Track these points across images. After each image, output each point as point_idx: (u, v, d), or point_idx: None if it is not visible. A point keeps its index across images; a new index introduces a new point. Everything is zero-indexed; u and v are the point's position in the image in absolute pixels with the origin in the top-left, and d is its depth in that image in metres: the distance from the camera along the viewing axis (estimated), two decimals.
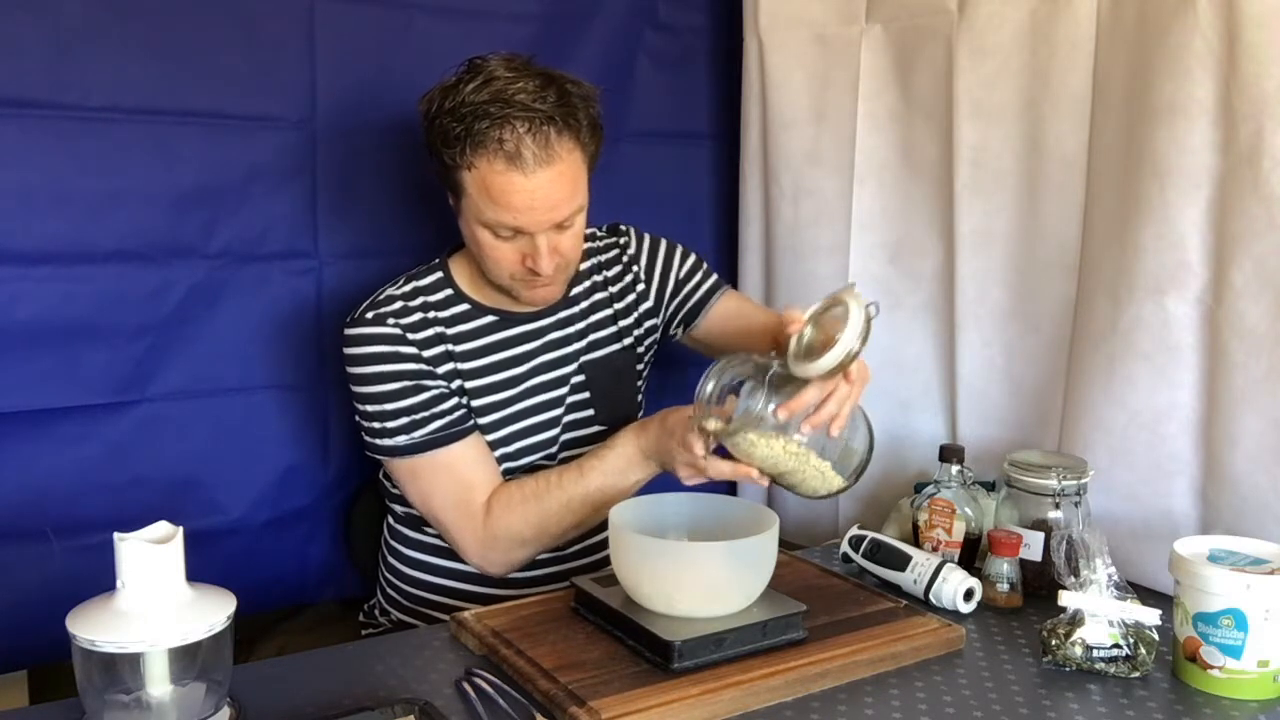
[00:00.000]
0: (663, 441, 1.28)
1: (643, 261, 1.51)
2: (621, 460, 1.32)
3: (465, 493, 1.33)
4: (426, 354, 1.34)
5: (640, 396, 1.53)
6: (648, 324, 1.51)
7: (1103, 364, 1.39)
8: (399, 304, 1.35)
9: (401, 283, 1.39)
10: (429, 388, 1.33)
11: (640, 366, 1.51)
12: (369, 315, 1.33)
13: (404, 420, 1.32)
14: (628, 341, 1.49)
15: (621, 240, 1.51)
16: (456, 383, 1.36)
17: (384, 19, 1.54)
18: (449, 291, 1.39)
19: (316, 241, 1.52)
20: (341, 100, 1.51)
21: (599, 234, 1.51)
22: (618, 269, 1.49)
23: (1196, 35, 1.26)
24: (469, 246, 1.35)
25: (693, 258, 1.54)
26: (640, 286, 1.50)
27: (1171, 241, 1.31)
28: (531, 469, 1.41)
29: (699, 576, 1.10)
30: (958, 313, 1.59)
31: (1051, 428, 1.50)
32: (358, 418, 1.36)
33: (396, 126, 1.57)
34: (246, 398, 1.50)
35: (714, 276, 1.55)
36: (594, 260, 1.48)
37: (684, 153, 1.88)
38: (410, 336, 1.33)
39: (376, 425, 1.33)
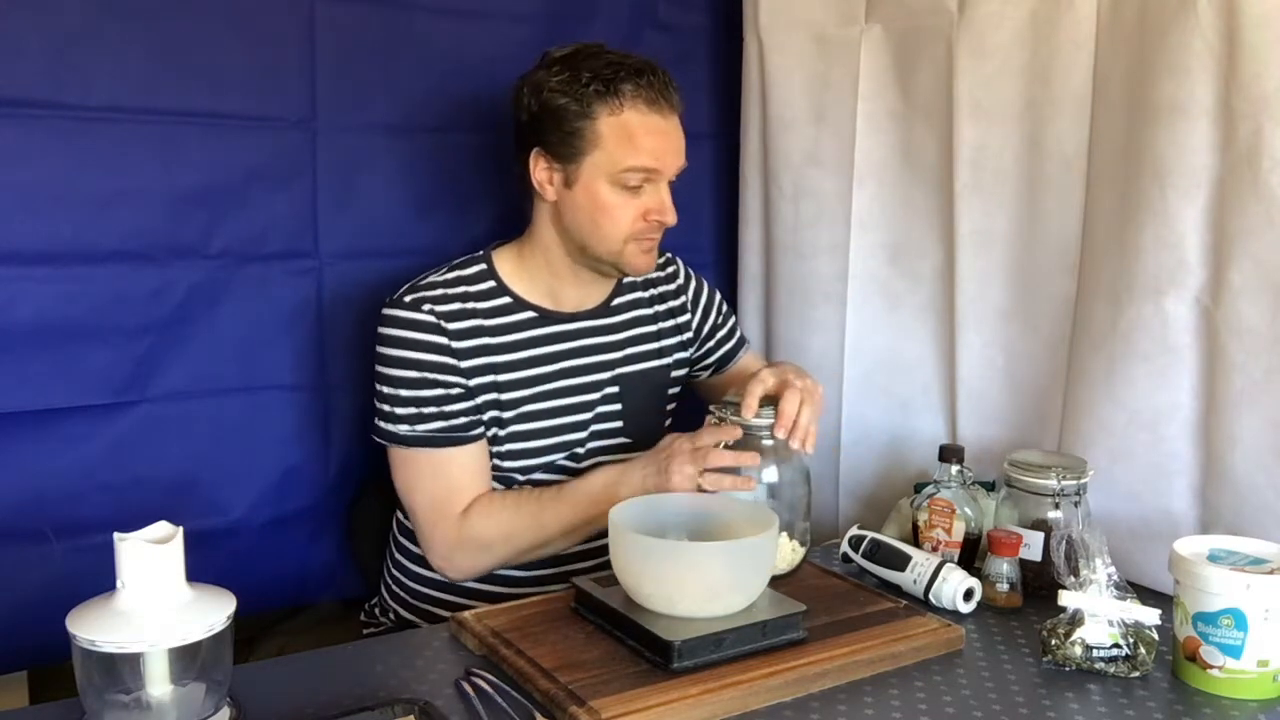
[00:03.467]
0: (657, 455, 1.31)
1: (690, 293, 1.57)
2: (602, 481, 1.34)
3: (448, 494, 1.35)
4: (458, 345, 1.34)
5: (668, 421, 1.54)
6: (687, 353, 1.56)
7: (1102, 364, 1.39)
8: (440, 290, 1.36)
9: (445, 270, 1.40)
10: (443, 384, 1.33)
11: (672, 391, 1.54)
12: (408, 299, 1.35)
13: (410, 410, 1.33)
14: (666, 361, 1.52)
15: (670, 269, 1.56)
16: (489, 377, 1.36)
17: (384, 19, 1.54)
18: (491, 284, 1.40)
19: (316, 241, 1.52)
20: (341, 100, 1.51)
21: None
22: (666, 289, 1.54)
23: (1196, 35, 1.26)
24: (579, 216, 1.35)
25: (727, 308, 1.62)
26: (685, 316, 1.55)
27: (1171, 242, 1.31)
28: (553, 470, 1.42)
29: (699, 576, 1.10)
30: (958, 313, 1.59)
31: (1051, 428, 1.50)
32: (375, 397, 1.37)
33: (397, 126, 1.57)
34: (247, 398, 1.50)
35: (739, 332, 1.64)
36: (642, 278, 1.51)
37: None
38: (445, 325, 1.34)
39: (385, 408, 1.34)
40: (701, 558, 1.11)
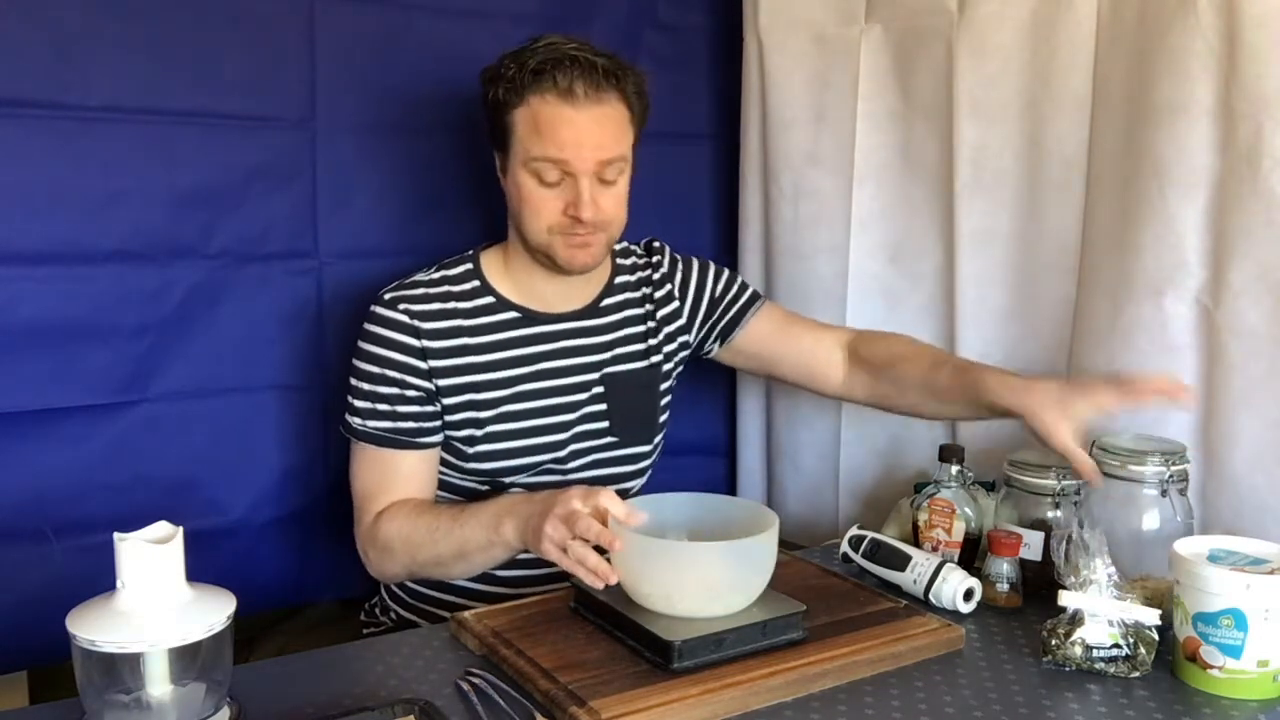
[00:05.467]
0: (547, 501, 1.17)
1: (677, 279, 1.52)
2: (493, 510, 1.25)
3: (376, 492, 1.35)
4: (433, 345, 1.34)
5: (664, 416, 1.52)
6: (680, 340, 1.52)
7: (1102, 364, 1.39)
8: (421, 290, 1.37)
9: (432, 270, 1.41)
10: (401, 384, 1.33)
11: (665, 386, 1.51)
12: (387, 297, 1.36)
13: (366, 405, 1.34)
14: (656, 359, 1.49)
15: (655, 259, 1.53)
16: (465, 378, 1.36)
17: (384, 19, 1.54)
18: (475, 283, 1.40)
19: (316, 241, 1.52)
20: (341, 100, 1.51)
21: (637, 250, 1.53)
22: (649, 288, 1.51)
23: (1196, 35, 1.26)
24: (512, 206, 1.36)
25: (726, 274, 1.56)
26: (674, 304, 1.51)
27: (1170, 242, 1.31)
28: (540, 472, 1.41)
29: (698, 577, 1.10)
30: (958, 313, 1.59)
31: None
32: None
33: (397, 126, 1.57)
34: (247, 398, 1.50)
35: (750, 290, 1.57)
36: (636, 275, 1.50)
37: (684, 153, 1.88)
38: (420, 325, 1.34)
39: (348, 399, 1.36)
40: (701, 558, 1.10)
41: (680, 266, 1.54)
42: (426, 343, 1.34)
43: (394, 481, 1.35)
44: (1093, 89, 1.43)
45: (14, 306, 1.32)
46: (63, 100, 1.32)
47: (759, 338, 1.55)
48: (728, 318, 1.54)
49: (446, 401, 1.36)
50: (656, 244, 1.54)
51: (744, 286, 1.56)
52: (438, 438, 1.37)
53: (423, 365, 1.34)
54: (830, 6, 1.70)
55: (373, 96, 1.54)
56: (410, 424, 1.34)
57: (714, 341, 1.55)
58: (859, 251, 1.71)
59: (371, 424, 1.34)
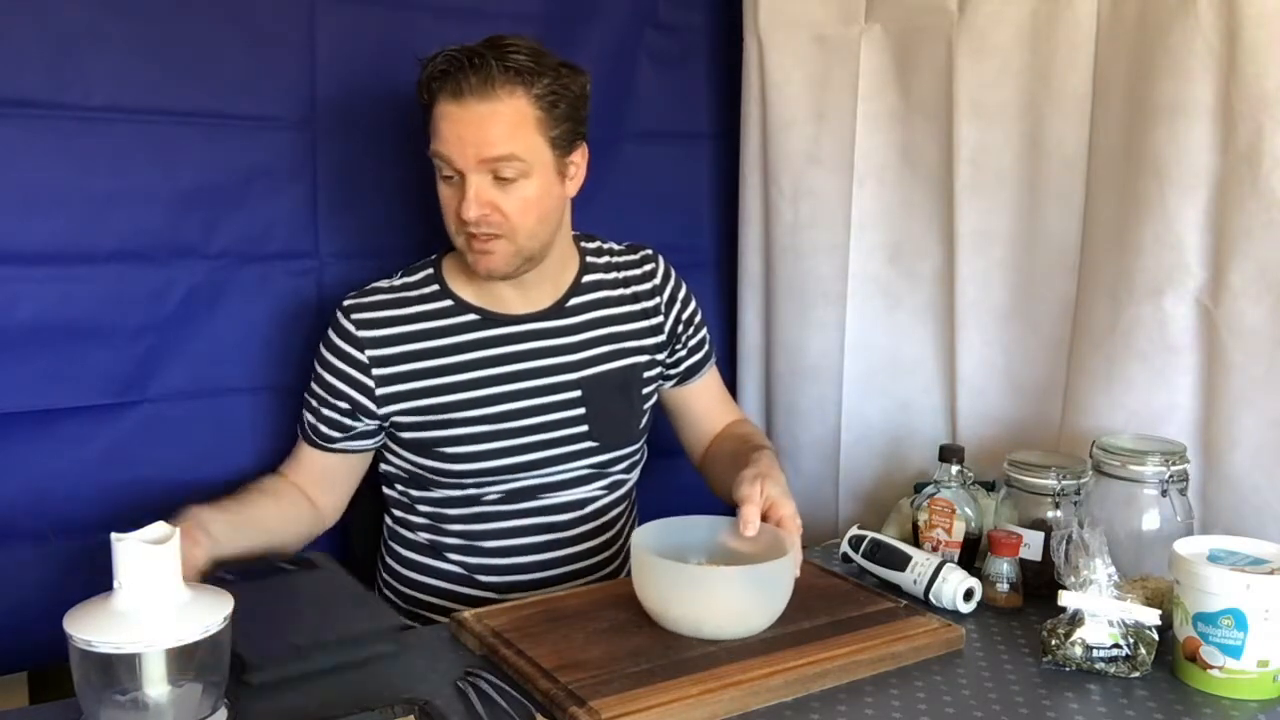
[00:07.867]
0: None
1: (665, 294, 1.51)
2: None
3: (285, 463, 1.44)
4: (374, 353, 1.35)
5: (643, 422, 1.49)
6: (658, 356, 1.50)
7: (1102, 364, 1.39)
8: (379, 297, 1.39)
9: (397, 276, 1.42)
10: (329, 388, 1.37)
11: (647, 390, 1.49)
12: (346, 304, 1.38)
13: (307, 399, 1.40)
14: (639, 360, 1.47)
15: (648, 266, 1.51)
16: (413, 384, 1.36)
17: (385, 19, 1.54)
18: (435, 287, 1.40)
19: (316, 241, 1.52)
20: (341, 100, 1.51)
21: (616, 248, 1.51)
22: (640, 289, 1.49)
23: (1196, 35, 1.26)
24: None
25: (701, 317, 1.56)
26: (659, 318, 1.50)
27: (1170, 242, 1.31)
28: (520, 478, 1.40)
29: (722, 601, 1.12)
30: (958, 313, 1.59)
31: (1051, 428, 1.50)
32: None
33: (397, 127, 1.57)
34: (247, 398, 1.50)
35: (708, 345, 1.58)
36: (613, 275, 1.48)
37: (684, 153, 1.88)
38: (362, 336, 1.36)
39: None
40: (721, 583, 1.13)
41: (671, 285, 1.52)
42: (371, 352, 1.35)
43: (293, 460, 1.42)
44: (1093, 89, 1.43)
45: (14, 306, 1.32)
46: (63, 100, 1.32)
47: (693, 399, 1.57)
48: (689, 364, 1.54)
49: (398, 407, 1.37)
50: (649, 250, 1.53)
51: (706, 339, 1.57)
52: (347, 446, 1.40)
53: (364, 379, 1.36)
54: (830, 6, 1.70)
55: (373, 96, 1.54)
56: (322, 426, 1.38)
57: (666, 378, 1.54)
58: (859, 251, 1.71)
59: (305, 415, 1.40)
